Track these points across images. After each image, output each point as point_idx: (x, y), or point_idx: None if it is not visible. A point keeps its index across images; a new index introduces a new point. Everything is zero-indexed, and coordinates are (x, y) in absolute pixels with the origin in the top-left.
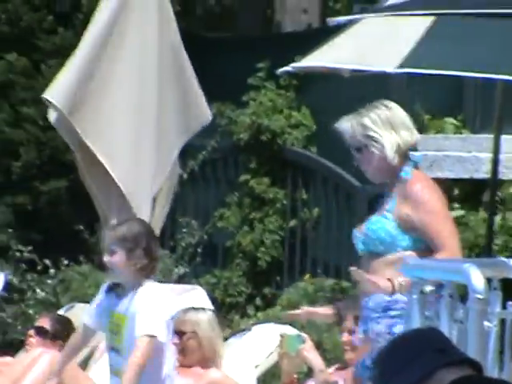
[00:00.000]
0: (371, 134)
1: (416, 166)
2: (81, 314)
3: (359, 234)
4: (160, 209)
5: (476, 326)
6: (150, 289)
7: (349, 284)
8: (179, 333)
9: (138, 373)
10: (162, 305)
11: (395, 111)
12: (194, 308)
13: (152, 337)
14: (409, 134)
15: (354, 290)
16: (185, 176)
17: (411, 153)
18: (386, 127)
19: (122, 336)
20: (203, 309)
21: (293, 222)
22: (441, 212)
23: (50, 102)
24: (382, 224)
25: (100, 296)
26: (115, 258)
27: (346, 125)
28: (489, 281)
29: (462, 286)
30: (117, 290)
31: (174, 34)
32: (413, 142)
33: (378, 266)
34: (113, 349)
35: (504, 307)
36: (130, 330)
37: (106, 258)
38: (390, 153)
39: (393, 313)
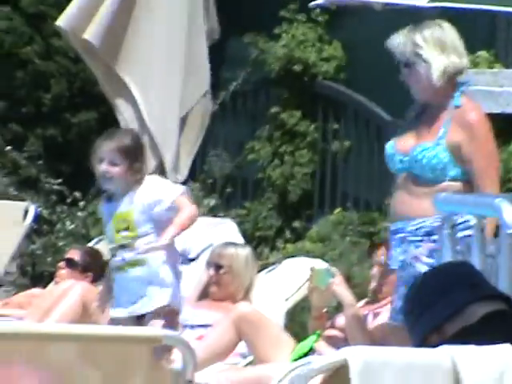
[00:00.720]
0: (420, 52)
1: (464, 93)
2: None
3: (401, 153)
4: (192, 141)
5: (508, 261)
6: (151, 179)
7: (379, 215)
8: (216, 265)
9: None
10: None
11: (448, 33)
12: (233, 243)
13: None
14: (458, 57)
15: (386, 220)
16: (215, 108)
17: (460, 78)
18: (436, 47)
19: (134, 227)
20: (242, 245)
21: (323, 156)
22: (491, 154)
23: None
24: (436, 151)
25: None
26: (115, 169)
27: (398, 40)
28: None
29: None
30: (112, 197)
31: None
32: (461, 66)
33: (421, 193)
34: (123, 247)
35: None
36: (140, 216)
37: (104, 167)
38: (436, 74)
39: (435, 237)
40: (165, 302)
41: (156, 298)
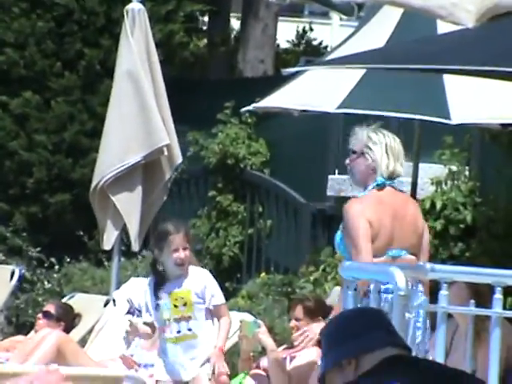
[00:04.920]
0: (373, 147)
1: (379, 187)
2: (79, 302)
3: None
4: (148, 217)
5: (399, 316)
6: (201, 270)
7: (295, 278)
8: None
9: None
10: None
11: (397, 144)
12: None
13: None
14: (397, 164)
15: (298, 283)
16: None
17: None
18: (384, 150)
19: (191, 304)
20: None
21: (250, 231)
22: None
23: None
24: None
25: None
26: (187, 254)
27: (360, 131)
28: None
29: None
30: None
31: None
32: (396, 171)
33: None
34: (179, 319)
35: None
36: (197, 296)
37: (183, 255)
38: (379, 170)
39: None
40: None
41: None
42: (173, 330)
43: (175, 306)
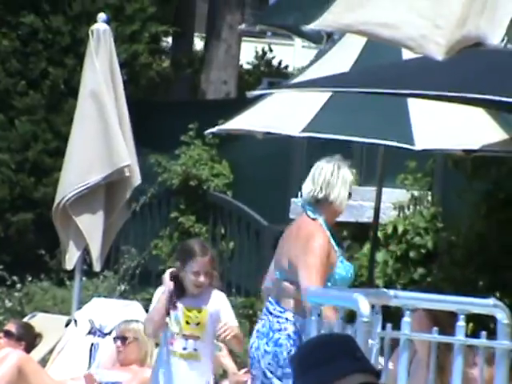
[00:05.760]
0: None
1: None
2: (41, 322)
3: None
4: (109, 238)
5: (362, 343)
6: (220, 295)
7: (257, 301)
8: (122, 338)
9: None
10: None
11: (350, 176)
12: (135, 320)
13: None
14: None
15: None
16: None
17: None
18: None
19: (204, 326)
20: (139, 321)
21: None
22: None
23: None
24: None
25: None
26: (208, 279)
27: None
28: (372, 307)
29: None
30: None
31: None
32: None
33: None
34: (187, 336)
35: (383, 328)
36: (211, 319)
37: (202, 280)
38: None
39: None
40: None
41: None
42: (179, 345)
43: (187, 323)
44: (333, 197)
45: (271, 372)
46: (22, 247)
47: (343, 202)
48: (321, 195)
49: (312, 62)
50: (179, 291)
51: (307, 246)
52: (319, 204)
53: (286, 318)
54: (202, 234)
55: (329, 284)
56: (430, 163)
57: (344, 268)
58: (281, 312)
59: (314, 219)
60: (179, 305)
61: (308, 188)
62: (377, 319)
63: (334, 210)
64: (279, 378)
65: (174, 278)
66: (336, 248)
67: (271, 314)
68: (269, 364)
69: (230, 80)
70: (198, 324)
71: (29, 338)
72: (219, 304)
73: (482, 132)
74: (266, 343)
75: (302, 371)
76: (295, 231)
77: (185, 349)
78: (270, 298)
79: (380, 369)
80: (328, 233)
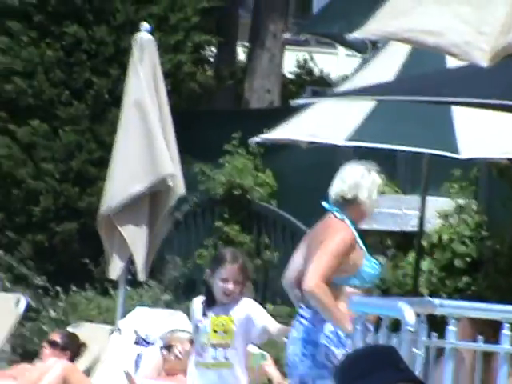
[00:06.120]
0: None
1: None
2: (85, 331)
3: None
4: (153, 247)
5: (407, 352)
6: (251, 303)
7: None
8: (168, 347)
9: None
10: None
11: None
12: (180, 329)
13: None
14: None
15: None
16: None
17: None
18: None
19: (232, 333)
20: (186, 330)
21: (257, 262)
22: None
23: None
24: None
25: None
26: (238, 289)
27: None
28: (417, 316)
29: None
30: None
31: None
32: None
33: None
34: (216, 345)
35: (429, 337)
36: (241, 325)
37: (231, 287)
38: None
39: None
40: None
41: None
42: (208, 356)
43: (214, 331)
44: (361, 197)
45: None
46: (67, 257)
47: (372, 204)
48: (350, 195)
49: (356, 71)
50: (209, 301)
51: (328, 238)
52: (347, 204)
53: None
54: (247, 243)
55: (356, 281)
56: (475, 172)
57: (371, 266)
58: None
59: (341, 220)
60: (209, 313)
61: (337, 188)
62: (422, 328)
63: (361, 212)
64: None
65: (206, 286)
66: (362, 246)
67: (303, 317)
68: (309, 368)
69: (274, 89)
70: (225, 332)
71: (73, 348)
72: (248, 309)
73: None
74: (304, 347)
75: (346, 383)
76: (321, 230)
77: (214, 358)
78: (301, 304)
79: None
80: (354, 231)
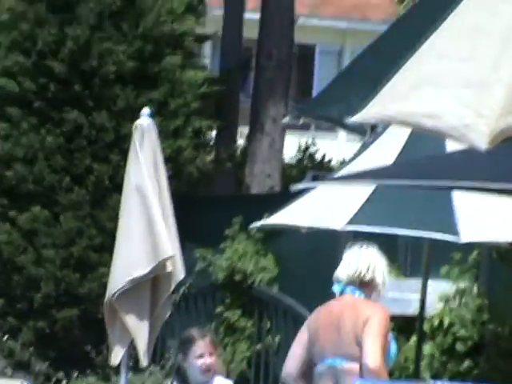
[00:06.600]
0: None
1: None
2: None
3: None
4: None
5: None
6: (226, 381)
7: None
8: None
9: None
10: None
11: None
12: None
13: None
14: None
15: None
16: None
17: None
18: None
19: None
20: None
21: (258, 347)
22: None
23: None
24: None
25: None
26: (213, 359)
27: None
28: None
29: None
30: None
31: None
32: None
33: None
34: None
35: None
36: None
37: (209, 360)
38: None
39: None
40: None
41: None
42: None
43: None
44: (379, 279)
45: None
46: (68, 343)
47: (385, 287)
48: (368, 277)
49: (355, 155)
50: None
51: (374, 323)
52: (365, 286)
53: None
54: (248, 328)
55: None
56: (475, 256)
57: (394, 346)
58: None
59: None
60: None
61: (351, 270)
62: None
63: (377, 292)
64: None
65: (177, 374)
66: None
67: None
68: None
69: (274, 173)
70: None
71: None
72: None
73: None
74: None
75: None
76: (350, 312)
77: None
78: None
79: None
80: None
